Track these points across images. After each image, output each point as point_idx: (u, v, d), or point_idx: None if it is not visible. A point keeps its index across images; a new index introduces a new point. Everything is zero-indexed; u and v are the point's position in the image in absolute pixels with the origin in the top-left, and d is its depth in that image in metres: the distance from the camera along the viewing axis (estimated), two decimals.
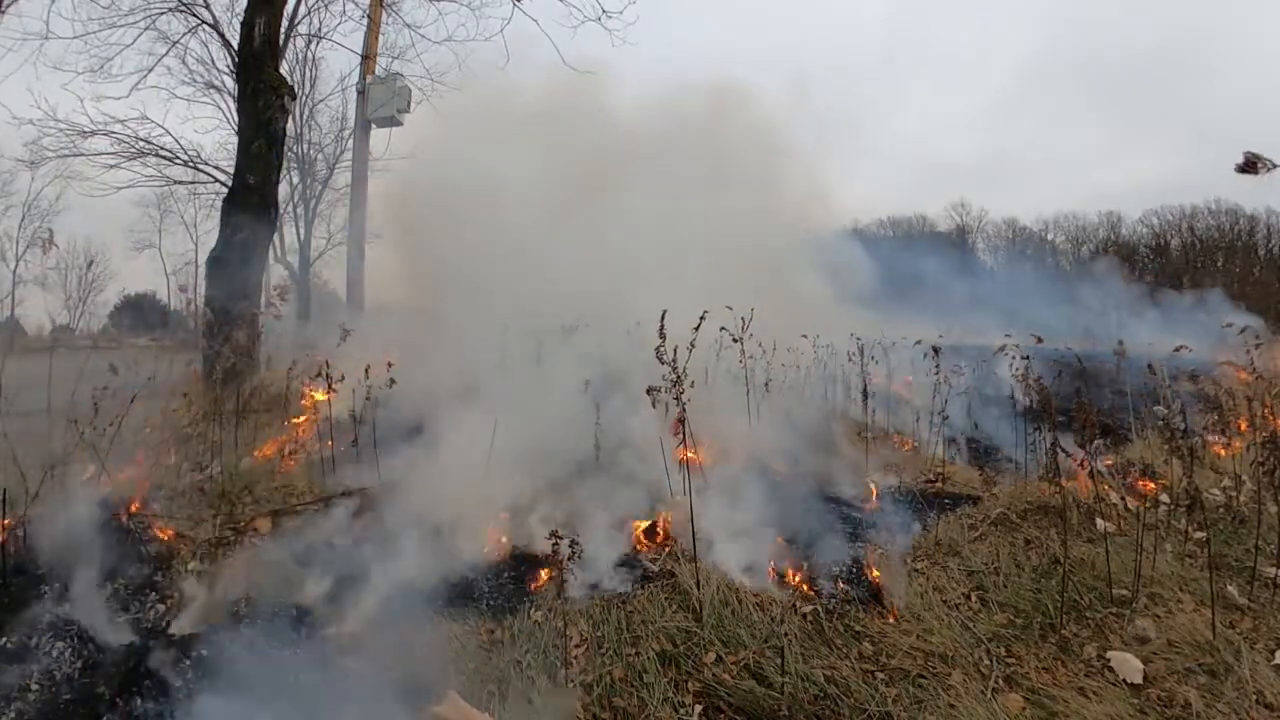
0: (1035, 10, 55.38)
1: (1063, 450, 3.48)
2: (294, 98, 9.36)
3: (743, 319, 4.34)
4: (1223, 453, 4.92)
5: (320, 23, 12.66)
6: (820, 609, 2.92)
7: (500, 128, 8.86)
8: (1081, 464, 3.51)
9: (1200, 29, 48.44)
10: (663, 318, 3.18)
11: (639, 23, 13.22)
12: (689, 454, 3.63)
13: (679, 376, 3.11)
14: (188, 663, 2.48)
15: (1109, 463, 4.50)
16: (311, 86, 16.48)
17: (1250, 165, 3.67)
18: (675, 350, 3.16)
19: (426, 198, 8.50)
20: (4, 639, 2.47)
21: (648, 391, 3.09)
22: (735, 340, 4.32)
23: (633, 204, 7.66)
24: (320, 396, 4.54)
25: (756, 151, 9.38)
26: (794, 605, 2.92)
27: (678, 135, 9.21)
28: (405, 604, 2.93)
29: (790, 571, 3.28)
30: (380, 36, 10.95)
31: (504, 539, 3.53)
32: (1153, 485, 4.07)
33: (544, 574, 3.16)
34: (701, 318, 3.52)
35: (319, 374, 4.46)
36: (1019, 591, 3.13)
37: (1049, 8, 55.14)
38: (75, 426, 3.44)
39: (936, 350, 4.18)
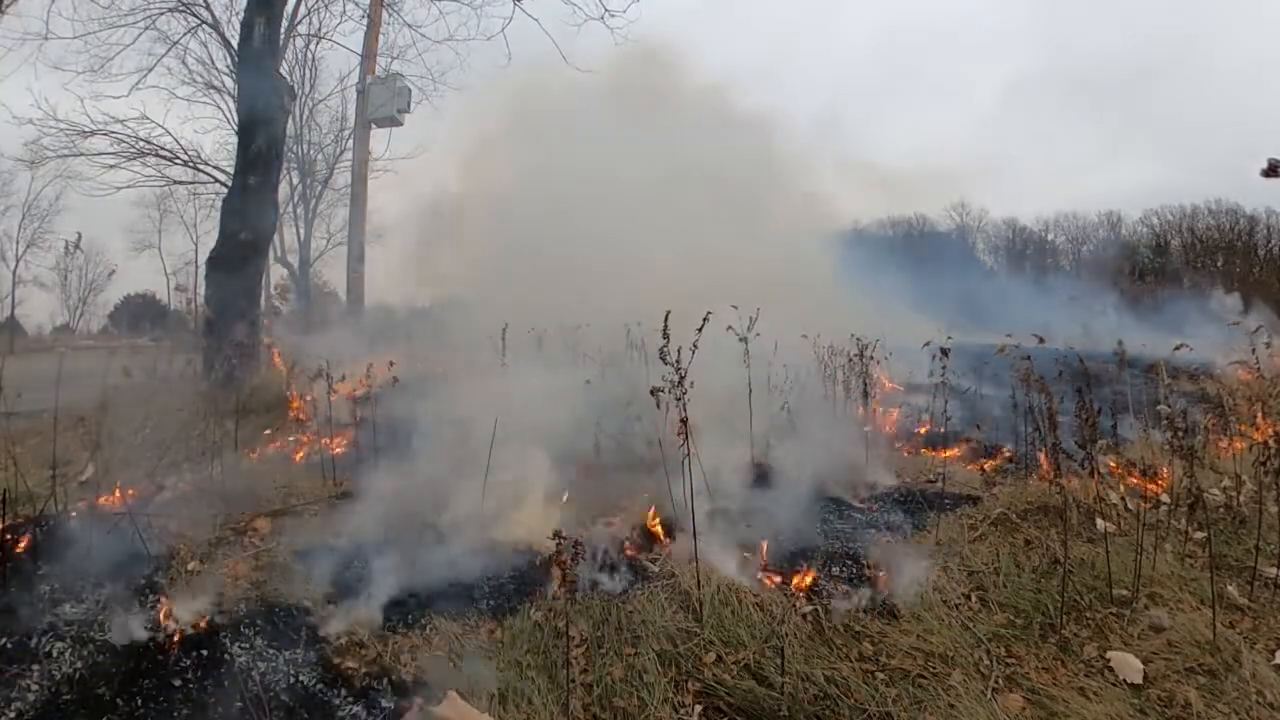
0: (1034, 16, 55.38)
1: (1063, 451, 3.48)
2: (294, 98, 9.36)
3: (750, 318, 4.34)
4: (1223, 454, 4.92)
5: (320, 23, 12.68)
6: (820, 609, 2.92)
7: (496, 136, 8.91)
8: (1082, 464, 3.51)
9: (1199, 36, 48.48)
10: (666, 319, 3.18)
11: (639, 24, 13.24)
12: (690, 454, 3.62)
13: (681, 377, 3.11)
14: (188, 663, 2.47)
15: (1111, 465, 4.50)
16: (311, 86, 16.51)
17: (1274, 170, 3.76)
18: (679, 351, 3.16)
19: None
20: (4, 639, 2.47)
21: (652, 392, 3.09)
22: (742, 340, 4.33)
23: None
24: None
25: (762, 154, 9.40)
26: (794, 605, 2.92)
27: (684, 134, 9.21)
28: (404, 604, 2.93)
29: (790, 571, 3.28)
30: (380, 36, 10.97)
31: (503, 538, 3.53)
32: (1154, 486, 4.07)
33: (545, 574, 3.15)
34: (705, 318, 3.52)
35: (319, 374, 4.47)
36: (1019, 591, 3.12)
37: (1049, 15, 55.20)
38: (76, 426, 3.44)
39: (945, 352, 4.17)
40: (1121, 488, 3.92)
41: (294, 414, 5.26)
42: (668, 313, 3.21)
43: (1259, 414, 4.50)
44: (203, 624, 2.70)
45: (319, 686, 2.45)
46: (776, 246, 8.76)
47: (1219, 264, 27.55)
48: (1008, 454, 5.42)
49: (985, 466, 5.15)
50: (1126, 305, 15.65)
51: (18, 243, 24.96)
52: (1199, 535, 3.38)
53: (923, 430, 5.91)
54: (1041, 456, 4.53)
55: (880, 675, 2.55)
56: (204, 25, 10.68)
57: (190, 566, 3.09)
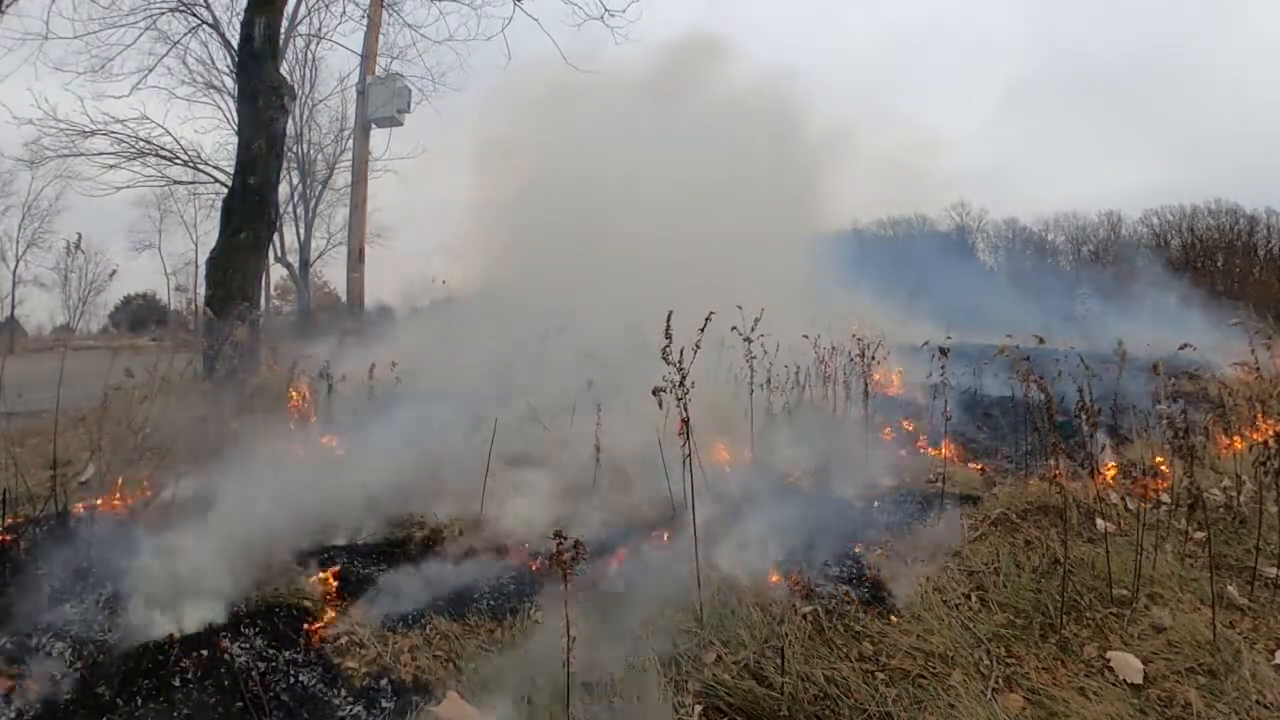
0: (1036, 17, 55.50)
1: (1063, 451, 3.48)
2: (294, 98, 9.36)
3: (755, 319, 4.34)
4: (1223, 453, 4.93)
5: (320, 23, 12.71)
6: (820, 609, 2.92)
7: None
8: (1082, 464, 3.51)
9: (1199, 36, 48.58)
10: (668, 319, 3.18)
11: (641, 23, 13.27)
12: (690, 454, 3.62)
13: (683, 377, 3.11)
14: (188, 663, 2.47)
15: (1110, 466, 4.50)
16: (311, 86, 16.55)
17: None
18: (681, 351, 3.16)
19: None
20: (4, 639, 2.47)
21: (654, 392, 3.09)
22: (747, 340, 4.33)
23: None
24: None
25: (767, 152, 9.37)
26: (794, 605, 2.92)
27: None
28: (404, 603, 2.93)
29: (790, 571, 3.28)
30: (380, 36, 10.98)
31: (502, 538, 3.53)
32: (1156, 484, 4.07)
33: (546, 574, 3.15)
34: (707, 318, 3.52)
35: (321, 374, 4.47)
36: (1019, 591, 3.12)
37: (1049, 17, 55.34)
38: (77, 427, 3.44)
39: (944, 351, 4.17)
40: (1121, 487, 3.92)
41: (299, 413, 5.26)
42: (669, 313, 3.21)
43: (1259, 414, 4.50)
44: (203, 622, 2.69)
45: (319, 686, 2.45)
46: (779, 245, 8.75)
47: (1219, 264, 27.54)
48: (1007, 454, 5.43)
49: (985, 467, 5.16)
50: (1123, 305, 15.67)
51: (18, 243, 25.01)
52: (1199, 535, 3.38)
53: (922, 430, 5.91)
54: (1041, 456, 4.54)
55: (880, 675, 2.55)
56: (204, 25, 10.69)
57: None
